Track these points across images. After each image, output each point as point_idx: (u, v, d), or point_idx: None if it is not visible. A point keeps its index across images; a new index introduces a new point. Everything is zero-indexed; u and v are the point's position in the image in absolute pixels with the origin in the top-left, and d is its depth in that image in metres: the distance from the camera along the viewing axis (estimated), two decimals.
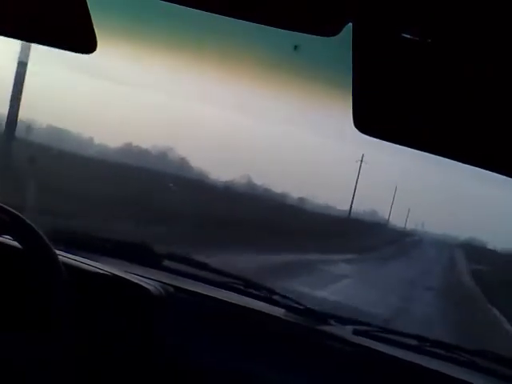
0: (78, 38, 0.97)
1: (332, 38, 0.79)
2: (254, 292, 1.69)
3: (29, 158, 9.22)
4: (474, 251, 27.47)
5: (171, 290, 1.58)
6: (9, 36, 1.03)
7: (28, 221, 1.36)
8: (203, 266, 1.79)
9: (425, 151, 0.93)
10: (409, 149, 0.95)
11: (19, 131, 10.61)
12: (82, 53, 0.99)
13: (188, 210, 10.72)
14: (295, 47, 1.29)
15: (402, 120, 0.91)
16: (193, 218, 10.30)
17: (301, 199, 24.35)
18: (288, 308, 1.64)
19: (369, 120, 0.91)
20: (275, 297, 1.68)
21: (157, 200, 10.57)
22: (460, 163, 0.95)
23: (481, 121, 0.86)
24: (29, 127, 12.18)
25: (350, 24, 0.77)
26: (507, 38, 0.72)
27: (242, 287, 1.71)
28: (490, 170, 0.92)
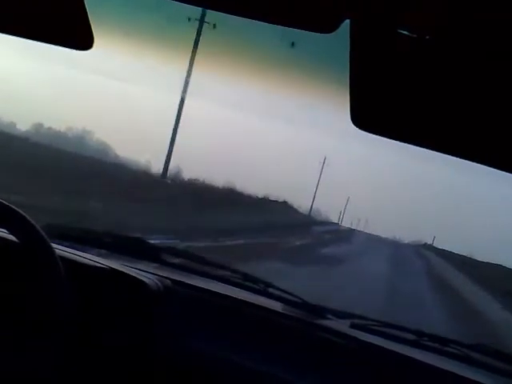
0: (74, 34, 0.97)
1: (329, 34, 0.79)
2: (252, 285, 1.70)
3: None
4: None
5: (169, 283, 1.58)
6: (4, 32, 1.02)
7: (24, 214, 1.36)
8: (200, 260, 1.80)
9: (424, 147, 0.93)
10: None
11: None
12: (79, 49, 0.99)
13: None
14: (292, 44, 1.30)
15: (400, 116, 0.91)
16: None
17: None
18: (285, 302, 1.64)
19: (366, 116, 0.91)
20: (272, 290, 1.68)
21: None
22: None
23: (479, 117, 0.86)
24: None
25: (347, 21, 0.77)
26: (506, 35, 0.71)
27: (239, 280, 1.71)
28: (488, 166, 0.92)
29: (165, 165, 18.47)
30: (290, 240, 14.90)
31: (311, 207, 32.80)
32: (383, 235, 28.97)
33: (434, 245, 32.64)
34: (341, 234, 25.12)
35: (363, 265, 13.83)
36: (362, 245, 21.56)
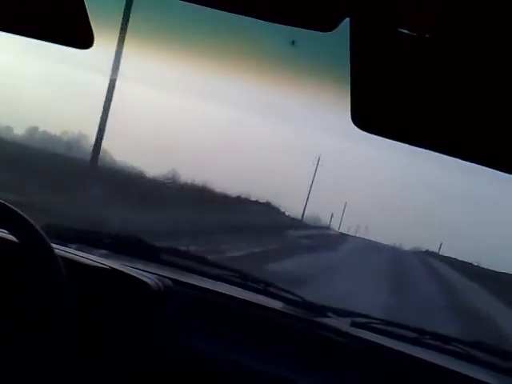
0: (74, 32, 0.97)
1: (329, 33, 0.79)
2: (252, 285, 1.70)
3: None
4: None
5: (169, 283, 1.59)
6: (4, 31, 1.02)
7: (24, 215, 1.36)
8: (201, 260, 1.80)
9: (424, 148, 0.93)
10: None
11: None
12: (79, 48, 0.99)
13: None
14: (293, 42, 1.30)
15: (401, 116, 0.91)
16: None
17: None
18: (286, 300, 1.65)
19: (367, 116, 0.91)
20: (273, 289, 1.68)
21: None
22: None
23: (480, 117, 0.86)
24: None
25: (348, 19, 0.77)
26: (506, 34, 0.71)
27: (239, 280, 1.71)
28: (488, 167, 0.92)
29: (94, 152, 15.24)
30: (228, 248, 9.76)
31: (304, 211, 29.25)
32: (383, 241, 25.12)
33: (440, 252, 28.80)
34: (327, 240, 19.95)
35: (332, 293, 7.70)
36: (348, 255, 16.21)
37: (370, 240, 26.72)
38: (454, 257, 25.05)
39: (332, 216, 32.24)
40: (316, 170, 29.57)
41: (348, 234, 29.57)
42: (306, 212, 29.47)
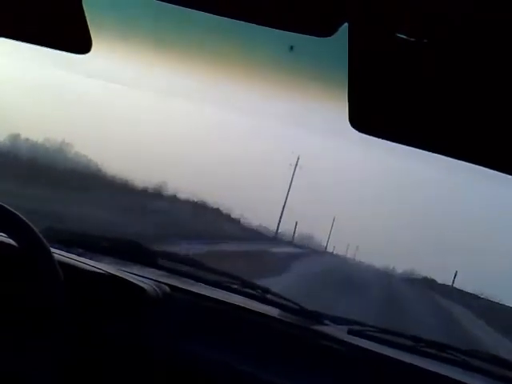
0: (73, 38, 0.98)
1: (328, 38, 0.80)
2: (250, 291, 1.70)
3: None
4: None
5: (167, 289, 1.58)
6: (4, 36, 1.03)
7: (23, 218, 1.36)
8: (199, 265, 1.80)
9: (421, 149, 0.94)
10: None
11: None
12: (77, 53, 1.00)
13: None
14: (291, 48, 1.30)
15: (398, 119, 0.92)
16: None
17: None
18: (283, 308, 1.64)
19: (365, 119, 0.92)
20: (270, 296, 1.68)
21: None
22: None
23: (476, 119, 0.87)
24: None
25: (346, 24, 0.77)
26: (502, 39, 0.72)
27: (237, 287, 1.71)
28: (485, 167, 0.93)
29: None
30: None
31: (279, 223, 25.08)
32: (375, 264, 21.69)
33: (454, 284, 21.83)
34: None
35: None
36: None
37: (346, 259, 22.85)
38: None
39: (296, 225, 26.86)
40: (293, 176, 25.46)
41: (316, 252, 24.24)
42: (281, 225, 25.30)
